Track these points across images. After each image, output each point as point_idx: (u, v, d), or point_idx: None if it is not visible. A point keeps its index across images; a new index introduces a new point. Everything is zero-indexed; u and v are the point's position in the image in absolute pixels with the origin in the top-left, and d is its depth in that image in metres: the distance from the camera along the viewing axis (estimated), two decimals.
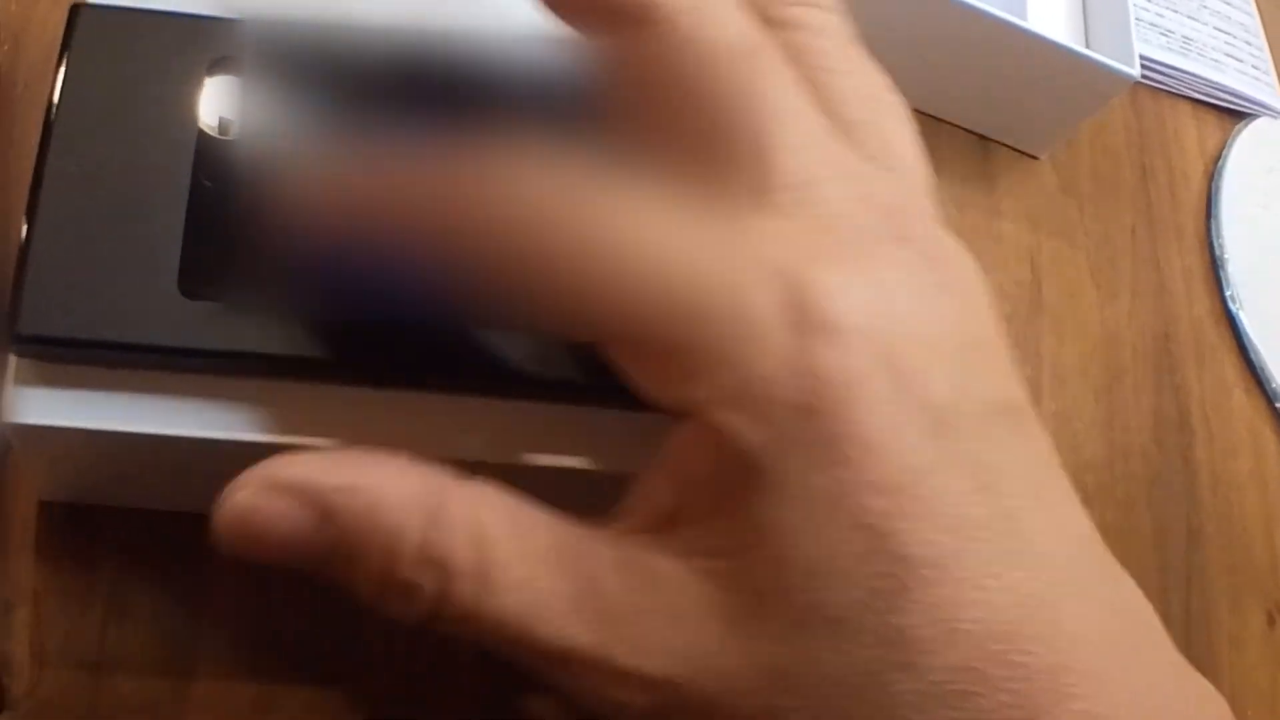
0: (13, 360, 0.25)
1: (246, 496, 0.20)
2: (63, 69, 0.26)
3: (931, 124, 0.42)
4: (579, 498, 0.23)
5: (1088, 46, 0.41)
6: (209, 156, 0.26)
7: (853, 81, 0.22)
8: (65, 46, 0.27)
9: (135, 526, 0.30)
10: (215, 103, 0.27)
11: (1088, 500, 0.37)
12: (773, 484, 0.18)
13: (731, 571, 0.18)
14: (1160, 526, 0.38)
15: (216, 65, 0.27)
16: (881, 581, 0.17)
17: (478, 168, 0.20)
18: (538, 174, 0.20)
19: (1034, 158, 0.43)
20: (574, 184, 0.20)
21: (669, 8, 0.21)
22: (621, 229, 0.19)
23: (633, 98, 0.22)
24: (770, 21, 0.22)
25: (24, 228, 0.25)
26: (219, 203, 0.26)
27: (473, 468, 0.26)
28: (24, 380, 0.25)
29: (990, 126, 0.42)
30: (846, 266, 0.19)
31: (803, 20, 0.23)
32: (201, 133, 0.26)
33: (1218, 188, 0.46)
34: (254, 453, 0.26)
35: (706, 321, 0.18)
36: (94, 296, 0.25)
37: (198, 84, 0.27)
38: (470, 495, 0.20)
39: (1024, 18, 0.39)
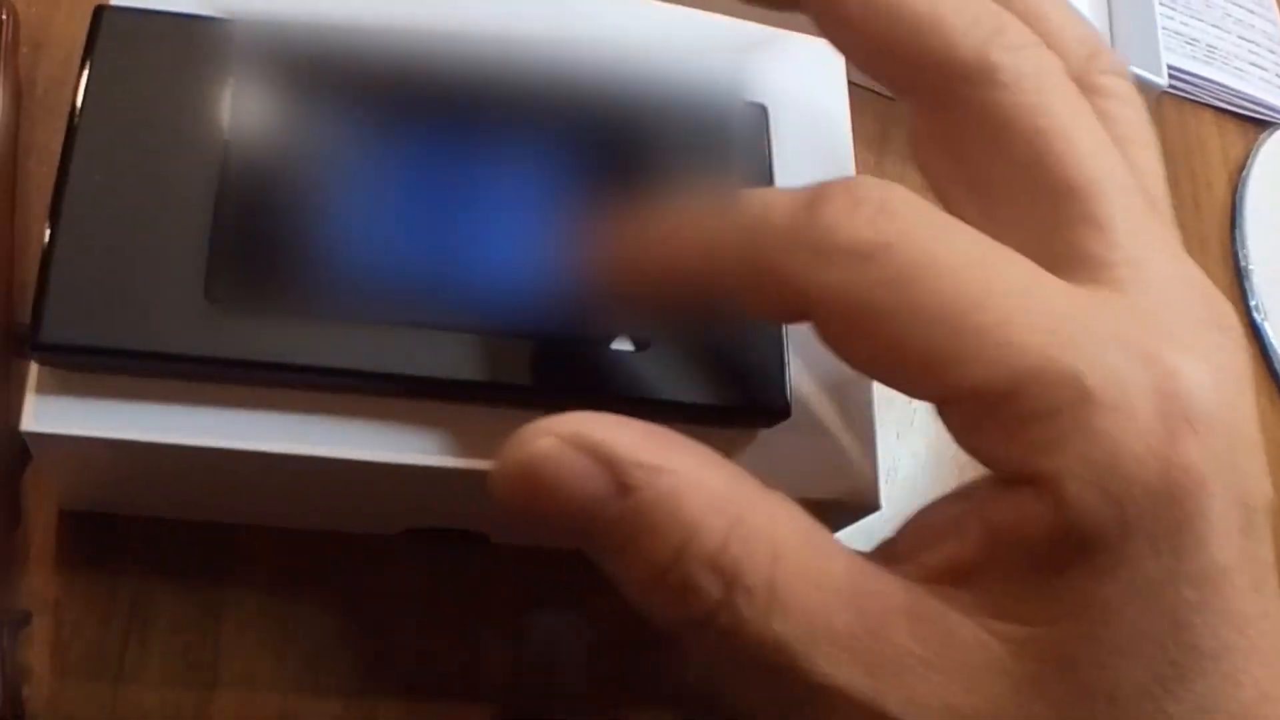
0: (33, 368, 0.25)
1: (547, 445, 0.19)
2: (86, 72, 0.26)
3: None
4: None
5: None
6: (235, 161, 0.26)
7: (1151, 155, 0.23)
8: (89, 49, 0.26)
9: (157, 536, 0.30)
10: (240, 106, 0.26)
11: None
12: (1109, 563, 0.18)
13: (1032, 638, 0.18)
14: None
15: (241, 68, 0.27)
16: (1168, 669, 0.18)
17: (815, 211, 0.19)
18: (909, 218, 0.19)
19: None
20: (935, 229, 0.19)
21: (1013, 71, 0.21)
22: (990, 280, 0.19)
23: (955, 149, 0.22)
24: (1085, 87, 0.22)
25: (46, 233, 0.25)
26: (246, 208, 0.26)
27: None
28: (44, 389, 0.25)
29: None
30: (1193, 353, 0.19)
31: (1114, 89, 0.23)
32: (227, 137, 0.26)
33: (1241, 197, 0.46)
34: (273, 463, 0.26)
35: (1080, 393, 0.18)
36: (116, 304, 0.24)
37: (223, 87, 0.26)
38: (769, 508, 0.20)
39: None
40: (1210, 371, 0.19)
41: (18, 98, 0.33)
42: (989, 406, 0.19)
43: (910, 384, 0.20)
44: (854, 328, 0.19)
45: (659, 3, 0.32)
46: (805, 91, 0.32)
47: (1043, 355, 0.18)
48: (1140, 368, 0.18)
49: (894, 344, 0.19)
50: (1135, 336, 0.19)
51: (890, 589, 0.19)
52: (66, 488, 0.29)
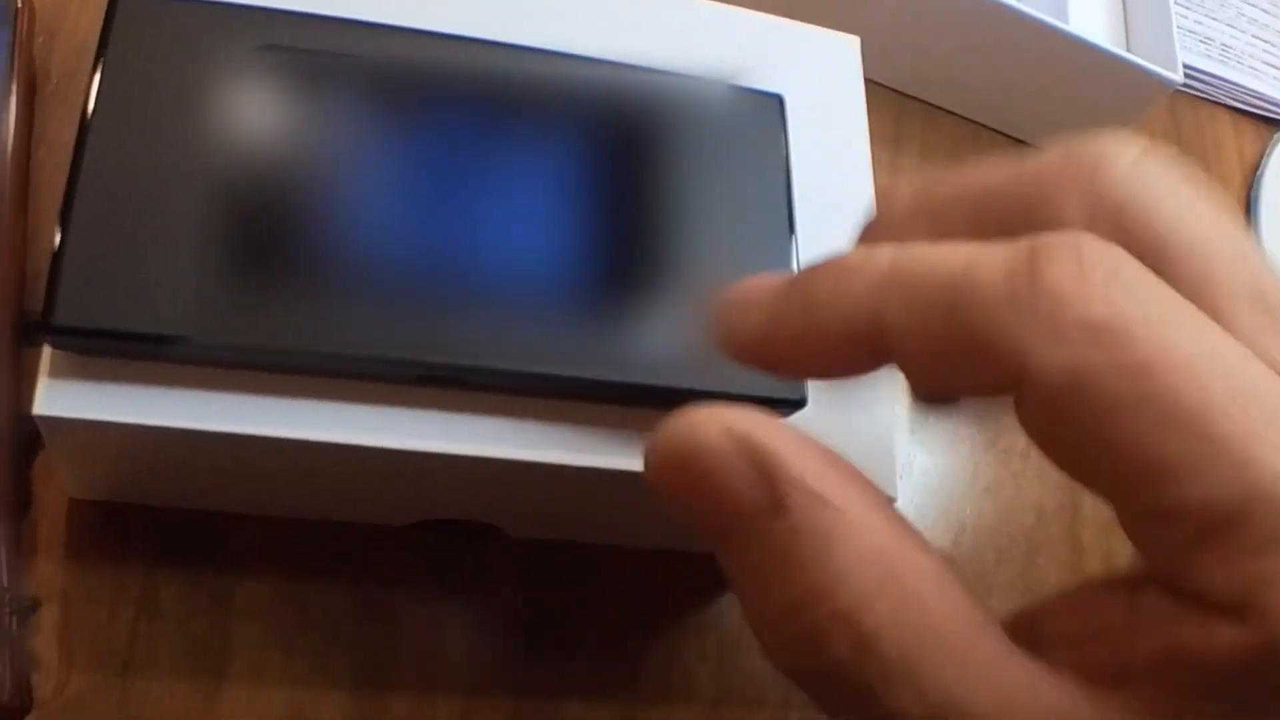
0: (45, 353, 0.25)
1: (714, 435, 0.18)
2: (103, 59, 0.26)
3: (972, 129, 0.42)
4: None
5: (1129, 52, 0.41)
6: (249, 148, 0.26)
7: None
8: (105, 36, 0.26)
9: (166, 526, 0.29)
10: (256, 93, 0.26)
11: None
12: None
13: None
14: None
15: (257, 55, 0.27)
16: None
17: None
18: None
19: None
20: (1173, 311, 0.17)
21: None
22: (1233, 382, 0.17)
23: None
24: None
25: (60, 218, 0.25)
26: (260, 195, 0.25)
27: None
28: (56, 373, 0.25)
29: (1031, 132, 0.42)
30: None
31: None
32: (242, 124, 0.26)
33: (1256, 196, 0.46)
34: (284, 449, 0.26)
35: None
36: (129, 288, 0.24)
37: (239, 73, 0.26)
38: (922, 571, 0.18)
39: (1065, 21, 0.39)
40: None
41: (32, 88, 0.32)
42: (1212, 526, 0.16)
43: (1121, 487, 0.17)
44: (1072, 414, 0.17)
45: None
46: (821, 83, 0.32)
47: None
48: None
49: (1117, 440, 0.16)
50: None
51: (1036, 682, 0.17)
52: (76, 475, 0.29)
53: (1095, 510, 0.37)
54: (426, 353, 0.25)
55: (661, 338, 0.27)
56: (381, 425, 0.26)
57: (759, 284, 0.20)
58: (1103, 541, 0.36)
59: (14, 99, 0.31)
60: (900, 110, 0.40)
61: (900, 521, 0.18)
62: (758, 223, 0.29)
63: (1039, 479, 0.36)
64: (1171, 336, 0.17)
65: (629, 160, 0.28)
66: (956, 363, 0.18)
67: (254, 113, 0.26)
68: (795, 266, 0.28)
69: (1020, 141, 0.42)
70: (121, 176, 0.25)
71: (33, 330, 0.30)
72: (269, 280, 0.25)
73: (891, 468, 0.28)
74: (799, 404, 0.27)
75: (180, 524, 0.30)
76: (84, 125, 0.25)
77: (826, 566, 0.17)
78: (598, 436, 0.27)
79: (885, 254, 0.19)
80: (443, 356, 0.25)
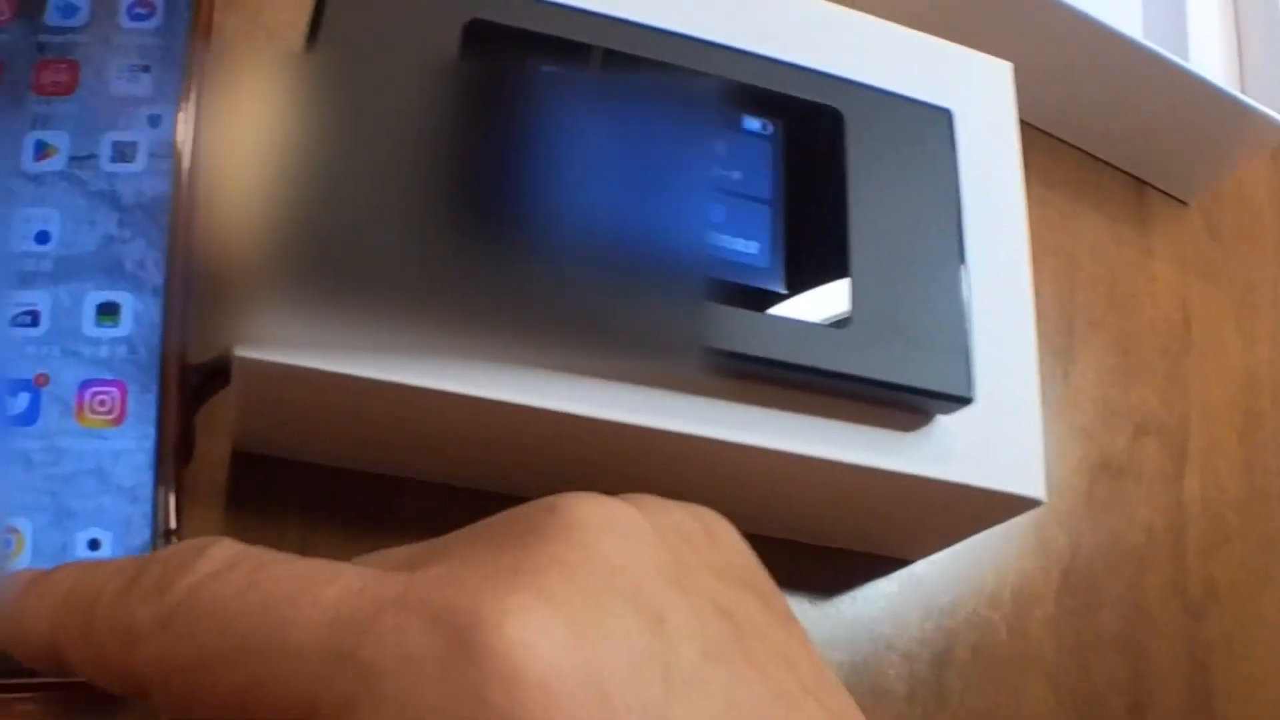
0: (258, 296, 0.25)
1: None
2: (324, 14, 0.27)
3: (1090, 162, 0.43)
4: None
5: (1243, 92, 0.42)
6: (470, 112, 0.27)
7: None
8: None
9: (326, 485, 0.30)
10: (467, 67, 0.27)
11: (1228, 537, 0.37)
12: None
13: None
14: None
15: (470, 29, 0.28)
16: None
17: None
18: None
19: (1183, 203, 0.44)
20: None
21: None
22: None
23: None
24: None
25: (282, 164, 0.25)
26: (480, 158, 0.26)
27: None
28: (268, 317, 0.25)
29: (1145, 169, 0.43)
30: None
31: None
32: (463, 86, 0.27)
33: None
34: (477, 411, 0.26)
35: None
36: (346, 241, 0.25)
37: (450, 47, 0.27)
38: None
39: (1186, 58, 0.40)
40: None
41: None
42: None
43: None
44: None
45: (849, 11, 0.33)
46: (976, 104, 0.33)
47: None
48: None
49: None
50: None
51: None
52: (251, 424, 0.29)
53: (1199, 536, 0.38)
54: (631, 325, 0.26)
55: (846, 327, 0.28)
56: (572, 394, 0.26)
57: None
58: (1204, 566, 0.37)
59: (194, 69, 0.32)
60: (1024, 140, 0.41)
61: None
62: (929, 227, 0.30)
63: (1148, 501, 0.37)
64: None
65: (817, 162, 0.29)
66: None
67: (465, 83, 0.27)
68: (964, 278, 0.29)
69: (1136, 179, 0.44)
70: (339, 140, 0.26)
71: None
72: (478, 245, 0.26)
73: (1041, 470, 0.29)
74: (965, 400, 0.28)
75: (341, 484, 0.30)
76: (310, 75, 0.26)
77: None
78: (781, 420, 0.28)
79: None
80: (645, 331, 0.26)
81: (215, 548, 0.18)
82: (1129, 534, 0.37)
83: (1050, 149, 0.42)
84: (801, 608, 0.32)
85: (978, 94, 0.33)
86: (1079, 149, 0.43)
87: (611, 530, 0.18)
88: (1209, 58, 0.41)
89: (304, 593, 0.17)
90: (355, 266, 0.25)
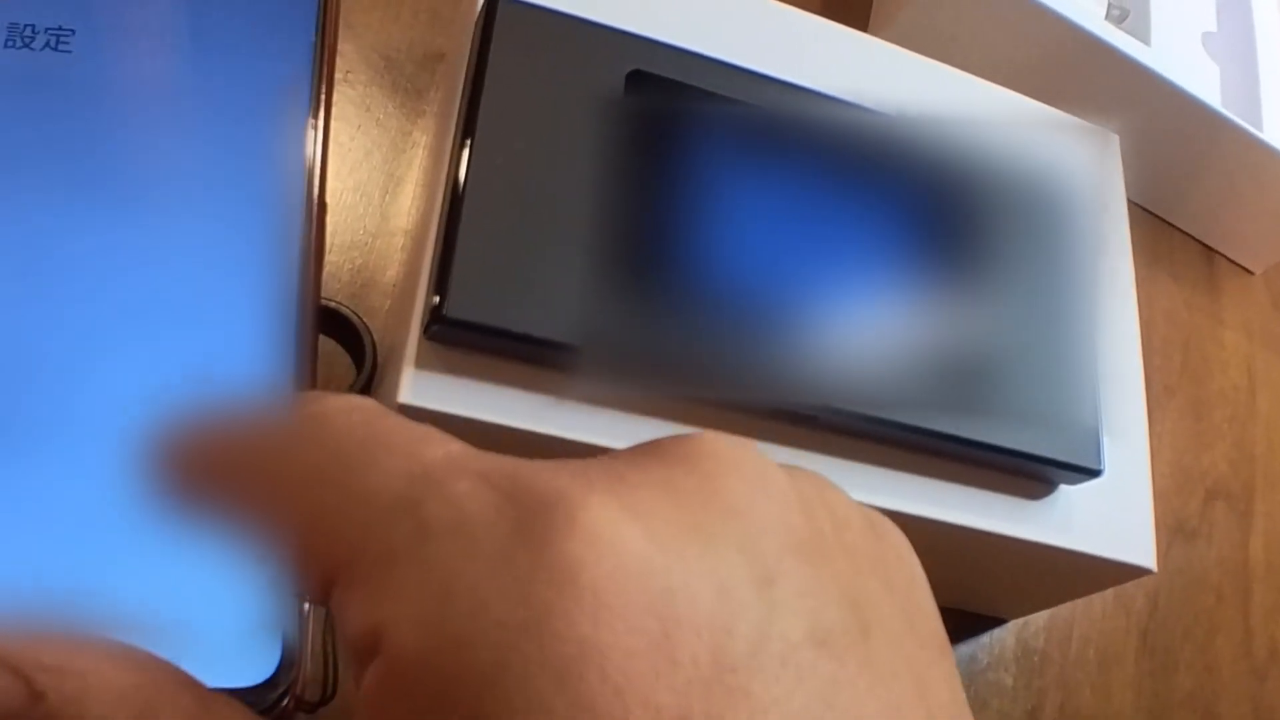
0: (413, 343, 0.25)
1: None
2: (490, 58, 0.27)
3: (1165, 229, 0.44)
4: None
5: None
6: (620, 171, 0.27)
7: None
8: (485, 41, 0.27)
9: None
10: (627, 117, 0.27)
11: None
12: None
13: None
14: None
15: (631, 80, 0.28)
16: None
17: None
18: None
19: (1250, 272, 0.45)
20: None
21: None
22: None
23: None
24: None
25: (445, 219, 0.25)
26: (628, 219, 0.26)
27: None
28: (423, 364, 0.25)
29: (1215, 237, 0.44)
30: None
31: None
32: (612, 146, 0.27)
33: None
34: None
35: None
36: (511, 291, 0.25)
37: (610, 96, 0.27)
38: (181, 696, 0.18)
39: (1260, 128, 0.41)
40: None
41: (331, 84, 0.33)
42: (341, 579, 0.16)
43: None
44: None
45: (958, 72, 0.34)
46: (1085, 172, 0.34)
47: None
48: None
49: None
50: None
51: None
52: None
53: (1264, 597, 0.39)
54: (781, 386, 0.26)
55: (976, 391, 0.28)
56: None
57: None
58: (1267, 628, 0.38)
59: (321, 100, 0.32)
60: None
61: (153, 664, 0.18)
62: (1061, 296, 0.30)
63: (1219, 564, 0.38)
64: None
65: (955, 227, 0.30)
66: None
67: (627, 137, 0.27)
68: (1095, 349, 0.30)
69: (1206, 247, 0.45)
70: (504, 183, 0.26)
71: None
72: (639, 299, 0.26)
73: (1152, 540, 0.30)
74: (1094, 473, 0.29)
75: None
76: (469, 128, 0.26)
77: None
78: (910, 484, 0.28)
79: None
80: (797, 393, 0.26)
81: (344, 396, 0.17)
82: (1200, 596, 0.38)
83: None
84: None
85: (1085, 163, 0.34)
86: (1151, 213, 0.44)
87: (741, 473, 0.16)
88: None
89: (407, 445, 0.15)
90: (521, 313, 0.25)
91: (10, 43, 0.29)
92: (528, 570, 0.13)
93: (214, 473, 0.16)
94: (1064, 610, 0.35)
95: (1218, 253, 0.45)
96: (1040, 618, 0.35)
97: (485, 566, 0.14)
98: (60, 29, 0.29)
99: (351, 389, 0.29)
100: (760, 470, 0.16)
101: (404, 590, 0.14)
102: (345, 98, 0.34)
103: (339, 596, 0.15)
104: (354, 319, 0.30)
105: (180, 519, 0.16)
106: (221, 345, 0.27)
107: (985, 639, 0.34)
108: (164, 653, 0.18)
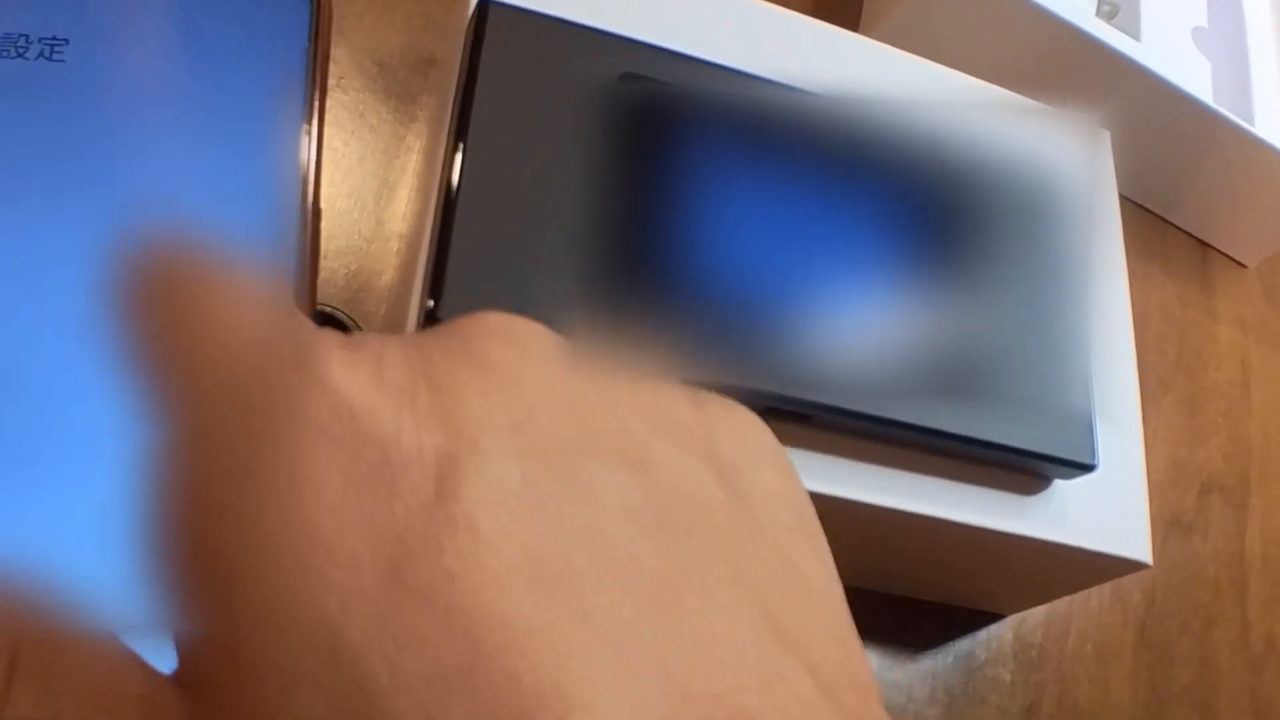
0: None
1: None
2: (481, 63, 0.27)
3: (1159, 224, 0.44)
4: None
5: None
6: (610, 174, 0.27)
7: None
8: (478, 42, 0.27)
9: None
10: (617, 120, 0.27)
11: None
12: None
13: None
14: None
15: (623, 81, 0.28)
16: None
17: None
18: None
19: (1243, 266, 0.45)
20: None
21: None
22: None
23: None
24: None
25: (439, 222, 0.25)
26: (619, 220, 0.27)
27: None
28: None
29: (1208, 231, 0.45)
30: None
31: None
32: (603, 149, 0.27)
33: None
34: None
35: None
36: (505, 293, 0.25)
37: (601, 99, 0.28)
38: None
39: (1251, 122, 0.42)
40: None
41: (324, 92, 0.33)
42: None
43: None
44: None
45: (951, 70, 0.34)
46: (1076, 168, 0.34)
47: None
48: None
49: None
50: None
51: None
52: None
53: (1260, 589, 0.39)
54: (775, 384, 0.27)
55: (969, 389, 0.28)
56: None
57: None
58: (1264, 620, 0.39)
59: (315, 106, 0.32)
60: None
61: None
62: (1054, 293, 0.30)
63: (1215, 558, 0.39)
64: None
65: (948, 225, 0.30)
66: None
67: (617, 139, 0.27)
68: (1088, 346, 0.30)
69: (1200, 242, 0.45)
70: (497, 187, 0.26)
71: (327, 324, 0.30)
72: (632, 300, 0.26)
73: (1147, 534, 0.30)
74: (1089, 468, 0.29)
75: None
76: (461, 132, 0.26)
77: None
78: (904, 480, 0.28)
79: None
80: (790, 390, 0.27)
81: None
82: (1197, 589, 0.38)
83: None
84: (894, 661, 0.33)
85: (1076, 159, 0.34)
86: (1144, 209, 0.44)
87: (503, 335, 0.15)
88: (1274, 124, 0.42)
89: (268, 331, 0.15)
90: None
91: (4, 52, 0.29)
92: (269, 416, 0.14)
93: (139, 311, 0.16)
94: (1061, 605, 0.35)
95: (1211, 247, 0.45)
96: (1038, 613, 0.35)
97: (244, 417, 0.14)
98: (54, 39, 0.29)
99: None
100: (530, 336, 0.16)
101: (194, 458, 0.14)
102: (339, 103, 0.34)
103: None
104: (350, 324, 0.30)
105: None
106: None
107: (983, 635, 0.34)
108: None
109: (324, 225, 0.31)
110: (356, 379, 0.14)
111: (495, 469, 0.14)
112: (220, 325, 0.15)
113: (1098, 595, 0.36)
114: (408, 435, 0.14)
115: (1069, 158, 0.34)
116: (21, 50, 0.29)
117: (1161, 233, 0.44)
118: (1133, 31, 0.42)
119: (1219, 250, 0.45)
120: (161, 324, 0.15)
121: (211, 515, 0.14)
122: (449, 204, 0.26)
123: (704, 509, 0.15)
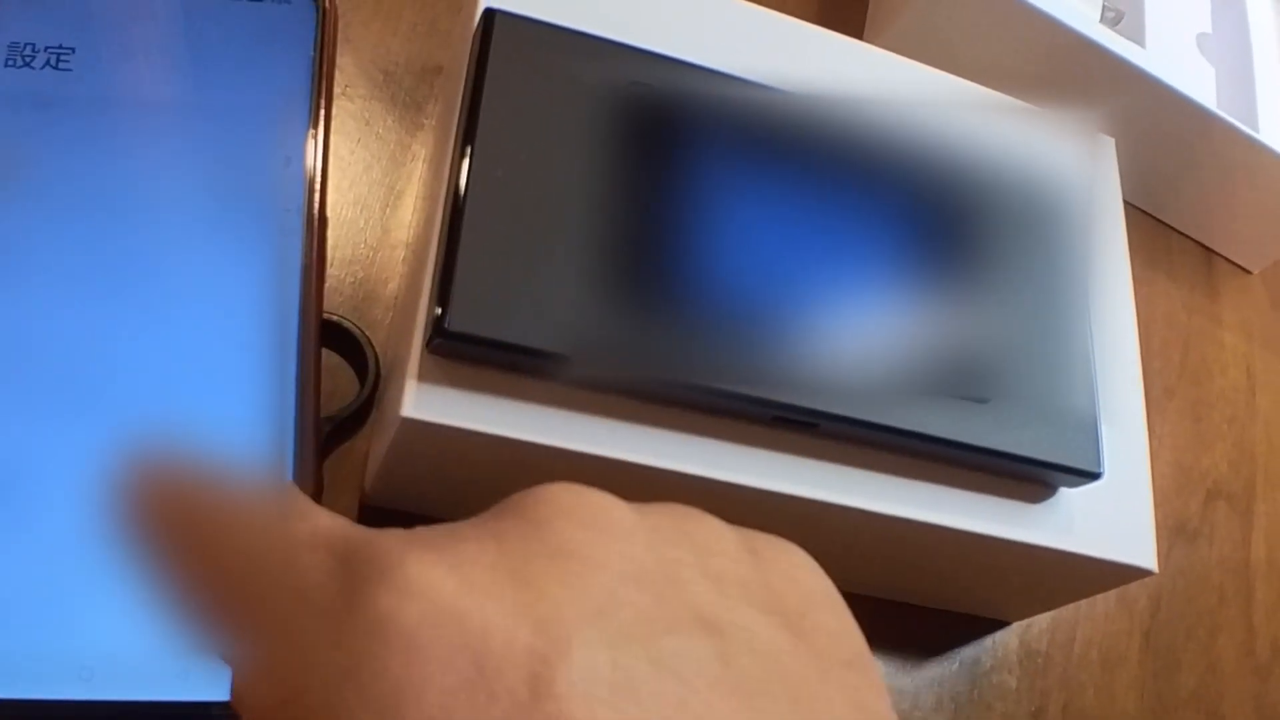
0: (415, 356, 0.25)
1: None
2: (488, 72, 0.27)
3: (1163, 231, 0.44)
4: None
5: None
6: (619, 183, 0.27)
7: None
8: (484, 51, 0.27)
9: None
10: (626, 129, 0.28)
11: None
12: None
13: None
14: None
15: (630, 91, 0.28)
16: None
17: None
18: None
19: (1248, 272, 0.45)
20: None
21: None
22: None
23: None
24: None
25: (446, 232, 0.26)
26: (627, 230, 0.27)
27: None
28: (426, 377, 0.25)
29: (1213, 237, 0.45)
30: None
31: None
32: (613, 158, 0.27)
33: None
34: (638, 477, 0.26)
35: None
36: (514, 304, 0.25)
37: (610, 108, 0.28)
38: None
39: (1255, 128, 0.42)
40: None
41: (330, 98, 0.33)
42: None
43: None
44: None
45: (953, 77, 0.34)
46: (1083, 175, 0.34)
47: None
48: None
49: None
50: None
51: None
52: (389, 481, 0.29)
53: (1265, 596, 0.39)
54: (782, 394, 0.27)
55: (985, 403, 0.28)
56: (732, 463, 0.27)
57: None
58: (1269, 626, 0.39)
59: (321, 114, 0.32)
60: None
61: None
62: (1058, 302, 0.31)
63: (1221, 565, 0.39)
64: None
65: (954, 234, 0.30)
66: None
67: (624, 147, 0.27)
68: (1093, 354, 0.30)
69: (1205, 248, 0.45)
70: (504, 196, 0.26)
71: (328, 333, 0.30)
72: (639, 309, 0.26)
73: (1153, 542, 0.30)
74: (1094, 475, 0.29)
75: None
76: (468, 141, 0.26)
77: None
78: (911, 489, 0.28)
79: None
80: (797, 399, 0.27)
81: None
82: (1203, 596, 0.38)
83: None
84: (900, 668, 0.33)
85: (1081, 167, 0.34)
86: (1149, 215, 0.44)
87: (573, 516, 0.16)
88: (1279, 130, 0.42)
89: (280, 524, 0.16)
90: (523, 326, 0.25)
91: (11, 62, 0.29)
92: (348, 623, 0.14)
93: (151, 517, 0.17)
94: (1067, 612, 0.35)
95: (1216, 253, 0.45)
96: (1043, 620, 0.35)
97: (314, 623, 0.15)
98: (60, 48, 0.29)
99: (355, 402, 0.30)
100: (597, 511, 0.16)
101: (258, 653, 0.15)
102: (345, 112, 0.34)
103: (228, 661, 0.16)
104: (356, 332, 0.30)
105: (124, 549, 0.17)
106: (226, 359, 0.27)
107: (988, 641, 0.34)
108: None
109: (330, 233, 0.31)
110: (437, 583, 0.14)
111: (585, 660, 0.14)
112: (280, 542, 0.16)
113: (1103, 602, 0.36)
114: (497, 636, 0.14)
115: (1074, 164, 0.34)
116: (28, 59, 0.29)
117: (1166, 239, 0.44)
118: (1137, 38, 0.42)
119: (1223, 256, 0.45)
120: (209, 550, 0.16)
121: None
122: (456, 212, 0.26)
123: (775, 661, 0.16)
